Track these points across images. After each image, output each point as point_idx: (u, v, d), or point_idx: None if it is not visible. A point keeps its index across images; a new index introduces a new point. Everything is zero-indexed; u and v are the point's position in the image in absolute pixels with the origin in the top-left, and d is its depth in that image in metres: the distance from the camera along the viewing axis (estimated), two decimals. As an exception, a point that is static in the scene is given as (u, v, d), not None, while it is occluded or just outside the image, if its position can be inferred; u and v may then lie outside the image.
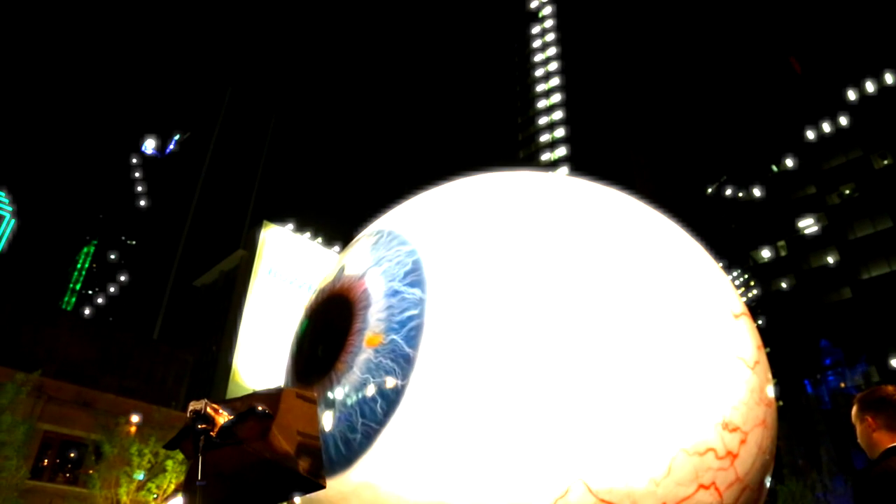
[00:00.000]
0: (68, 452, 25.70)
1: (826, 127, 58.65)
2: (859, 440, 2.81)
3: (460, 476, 8.11)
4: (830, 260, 53.67)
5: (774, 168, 60.79)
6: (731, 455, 8.96)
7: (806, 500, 15.60)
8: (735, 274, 55.53)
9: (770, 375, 10.82)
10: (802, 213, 56.89)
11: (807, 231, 56.00)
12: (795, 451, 24.22)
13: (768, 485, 10.53)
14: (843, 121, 58.27)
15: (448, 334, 8.83)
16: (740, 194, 61.74)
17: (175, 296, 75.83)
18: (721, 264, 11.90)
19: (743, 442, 9.19)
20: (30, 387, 21.66)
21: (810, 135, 59.40)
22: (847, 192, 56.10)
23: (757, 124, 63.05)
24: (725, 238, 57.50)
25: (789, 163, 59.54)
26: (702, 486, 8.54)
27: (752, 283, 56.28)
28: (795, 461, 22.80)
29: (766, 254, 57.84)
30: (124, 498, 20.80)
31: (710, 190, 66.28)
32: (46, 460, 24.99)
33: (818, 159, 57.96)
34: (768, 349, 13.11)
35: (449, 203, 11.08)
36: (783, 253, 56.84)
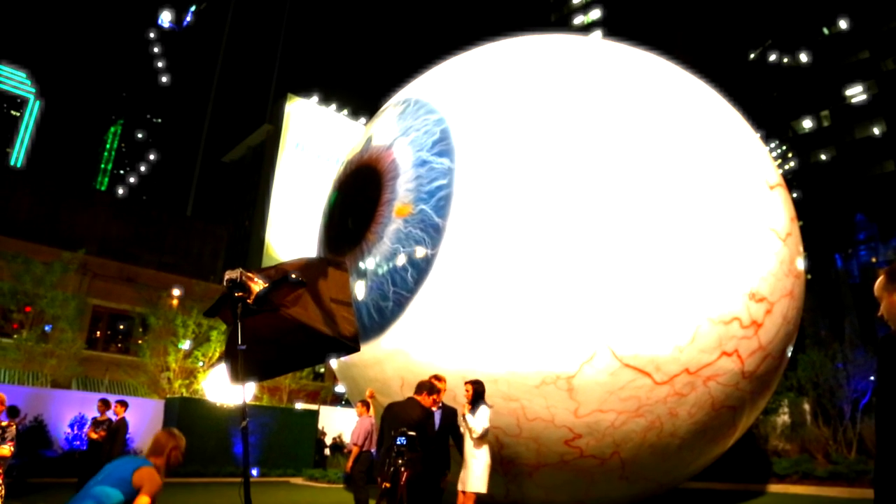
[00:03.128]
0: (117, 325, 27.35)
1: (887, -17, 53.67)
2: (883, 312, 2.72)
3: (489, 343, 8.43)
4: (877, 131, 51.29)
5: (825, 30, 56.64)
6: (756, 324, 9.12)
7: (826, 369, 15.91)
8: (773, 145, 53.63)
9: (801, 248, 10.72)
10: (851, 81, 53.65)
11: (854, 100, 53.12)
12: (819, 323, 24.48)
13: (790, 354, 10.82)
14: (907, -24, 53.16)
15: (477, 204, 8.77)
16: (785, 60, 58.14)
17: (205, 173, 76.69)
18: (759, 134, 11.46)
19: (768, 312, 9.29)
20: (76, 264, 22.63)
21: (869, -8, 54.57)
22: (904, 56, 52.37)
23: (810, -18, 58.01)
24: (766, 107, 54.96)
25: (843, 24, 55.33)
26: (724, 354, 8.78)
27: (791, 155, 54.45)
28: (818, 332, 23.11)
29: (807, 124, 55.42)
30: (173, 365, 22.27)
31: (752, 55, 62.47)
32: (98, 332, 26.68)
33: (876, 21, 53.63)
34: (802, 222, 12.89)
35: (478, 69, 10.65)
36: (826, 123, 54.37)
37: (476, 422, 6.68)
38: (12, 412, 9.30)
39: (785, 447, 15.77)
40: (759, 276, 8.79)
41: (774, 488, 13.00)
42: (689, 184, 8.58)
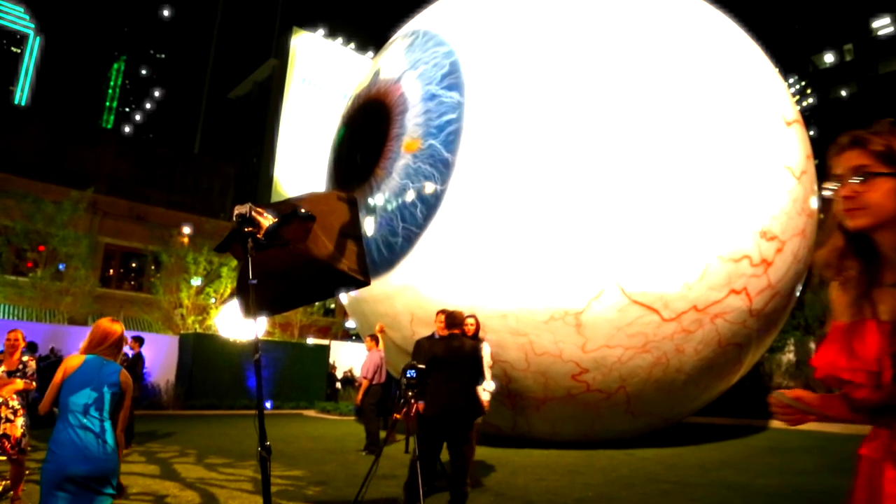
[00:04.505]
0: (130, 263, 27.64)
1: None
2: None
3: (498, 278, 8.46)
4: (901, 65, 49.62)
5: (852, -41, 53.99)
6: (766, 263, 9.09)
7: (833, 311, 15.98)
8: (792, 80, 52.13)
9: (816, 187, 10.54)
10: (879, 13, 51.51)
11: (881, 32, 51.15)
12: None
13: (798, 293, 10.82)
14: None
15: (487, 138, 8.63)
16: (808, -9, 55.77)
17: (211, 109, 75.77)
18: (778, 69, 11.09)
19: (779, 251, 9.24)
20: (85, 203, 22.70)
21: (901, -84, 51.71)
22: (935, -15, 50.03)
23: None
24: (786, 40, 53.11)
25: (870, -48, 52.70)
26: (733, 291, 8.79)
27: (809, 91, 52.97)
28: (828, 271, 23.03)
29: (829, 58, 53.62)
30: (186, 301, 22.59)
31: (774, -14, 59.93)
32: (112, 270, 27.01)
33: (906, -53, 51.02)
34: (818, 160, 12.62)
35: (488, 0, 10.27)
36: (848, 58, 52.59)
37: (486, 354, 6.76)
38: (31, 348, 9.53)
39: (789, 384, 16.01)
40: (770, 215, 8.70)
41: (776, 424, 13.27)
42: (703, 119, 8.38)
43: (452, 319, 5.50)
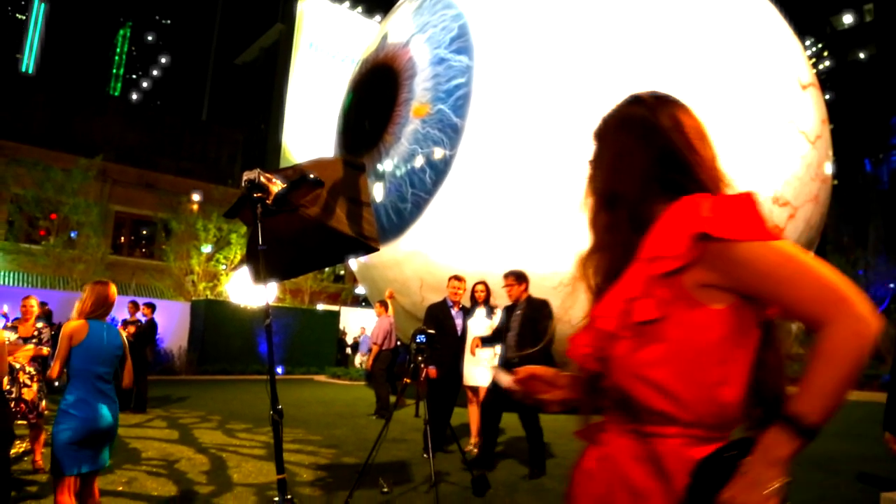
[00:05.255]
0: (140, 230, 27.79)
1: None
2: None
3: (507, 244, 8.43)
4: (921, 27, 48.30)
5: (875, -86, 52.19)
6: (778, 229, 8.95)
7: (846, 276, 15.87)
8: (809, 42, 50.95)
9: (830, 152, 10.36)
10: (900, -29, 50.00)
11: (901, -8, 49.71)
12: (843, 229, 24.10)
13: (810, 259, 10.67)
14: None
15: (497, 103, 8.50)
16: (828, -51, 54.07)
17: (218, 76, 75.17)
18: (794, 30, 10.82)
19: (791, 217, 9.12)
20: (94, 171, 22.73)
21: None
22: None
23: None
24: (803, 0, 51.74)
25: None
26: (743, 258, 8.70)
27: (826, 53, 51.80)
28: (841, 238, 22.81)
29: (847, 19, 52.30)
30: (197, 268, 22.73)
31: (793, -56, 58.13)
32: (122, 238, 27.18)
33: None
34: (833, 125, 12.40)
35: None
36: (868, 18, 51.25)
37: (497, 320, 6.76)
38: (47, 318, 9.65)
39: (798, 351, 15.98)
40: (783, 180, 8.59)
41: (784, 388, 13.32)
42: (715, 81, 8.22)
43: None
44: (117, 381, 3.36)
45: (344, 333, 22.32)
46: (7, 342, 3.88)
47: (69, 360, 3.16)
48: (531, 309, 5.58)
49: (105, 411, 3.16)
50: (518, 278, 5.77)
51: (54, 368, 3.23)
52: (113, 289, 3.46)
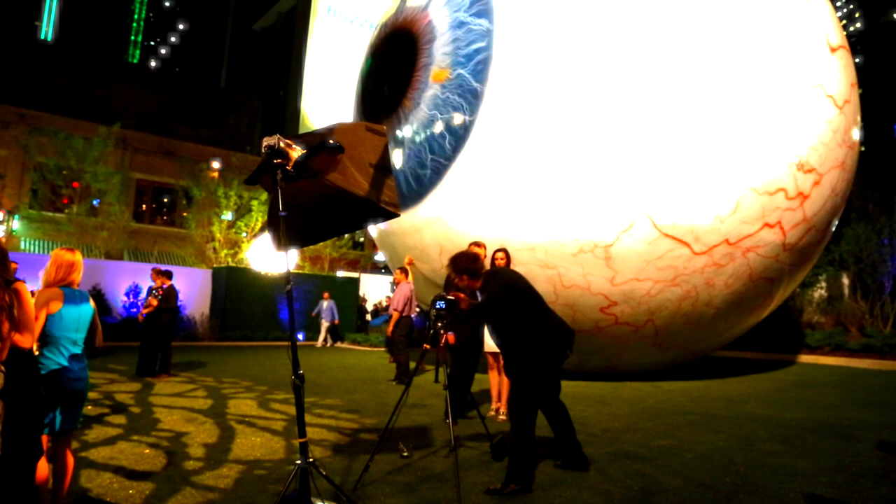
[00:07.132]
0: (161, 198, 28.02)
1: None
2: None
3: (527, 211, 8.37)
4: (959, -15, 46.36)
5: None
6: (802, 196, 8.81)
7: (871, 244, 15.48)
8: (839, 3, 49.20)
9: (859, 117, 10.07)
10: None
11: (939, -51, 47.63)
12: (868, 196, 23.57)
13: (834, 227, 10.53)
14: None
15: (517, 67, 8.32)
16: None
17: (236, 42, 74.66)
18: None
19: (816, 183, 8.93)
20: (114, 139, 22.89)
21: None
22: None
23: None
24: (835, -39, 49.85)
25: None
26: (767, 225, 8.59)
27: (858, 15, 50.05)
28: (866, 205, 22.34)
29: (880, -21, 50.36)
30: (218, 235, 22.97)
31: None
32: (144, 206, 27.44)
33: None
34: (862, 90, 12.03)
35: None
36: (902, -22, 49.31)
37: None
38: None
39: (820, 320, 15.85)
40: (809, 146, 8.39)
41: (805, 359, 13.24)
42: (740, 44, 7.98)
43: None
44: (89, 345, 3.46)
45: (364, 300, 22.51)
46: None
47: (43, 329, 3.18)
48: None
49: (81, 374, 3.26)
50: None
51: (30, 338, 3.19)
52: (78, 255, 3.49)
